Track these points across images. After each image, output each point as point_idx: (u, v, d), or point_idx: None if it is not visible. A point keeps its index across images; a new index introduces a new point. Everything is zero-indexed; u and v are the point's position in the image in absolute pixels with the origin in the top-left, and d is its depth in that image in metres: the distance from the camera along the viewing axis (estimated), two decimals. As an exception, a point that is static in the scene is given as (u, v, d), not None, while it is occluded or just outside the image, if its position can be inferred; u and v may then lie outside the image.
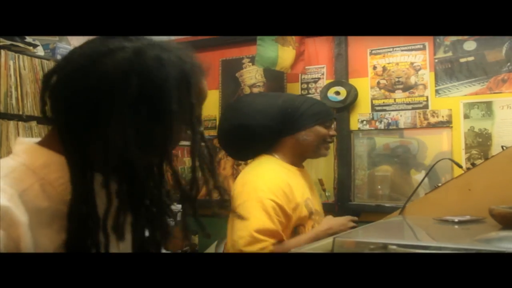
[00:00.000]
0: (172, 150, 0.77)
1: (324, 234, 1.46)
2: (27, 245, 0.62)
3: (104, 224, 0.69)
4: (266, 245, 1.39)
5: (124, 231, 0.71)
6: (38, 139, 0.75)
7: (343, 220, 1.58)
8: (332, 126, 1.69)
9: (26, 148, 0.71)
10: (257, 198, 1.43)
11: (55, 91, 0.71)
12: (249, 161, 1.71)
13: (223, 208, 0.84)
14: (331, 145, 2.60)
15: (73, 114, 0.69)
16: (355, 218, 1.61)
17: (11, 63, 2.25)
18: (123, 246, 0.74)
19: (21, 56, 2.31)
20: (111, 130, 0.67)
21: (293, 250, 1.08)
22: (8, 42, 2.26)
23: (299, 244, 1.40)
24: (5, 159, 0.70)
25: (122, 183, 0.70)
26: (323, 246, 1.07)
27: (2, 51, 2.22)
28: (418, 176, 2.41)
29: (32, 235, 0.63)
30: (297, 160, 1.64)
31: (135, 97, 0.67)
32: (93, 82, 0.68)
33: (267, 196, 1.43)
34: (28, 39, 2.41)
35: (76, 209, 0.67)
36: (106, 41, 0.72)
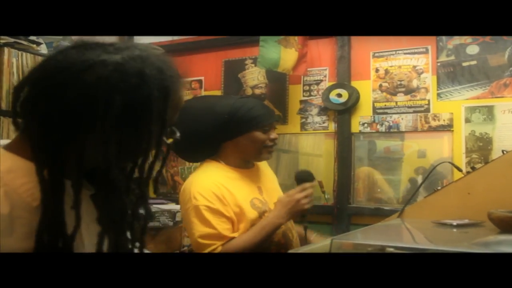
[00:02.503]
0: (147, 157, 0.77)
1: (272, 221, 1.48)
2: None
3: (73, 232, 0.68)
4: (213, 247, 1.45)
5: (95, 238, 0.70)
6: (7, 141, 0.74)
7: (289, 197, 1.52)
8: (274, 128, 1.64)
9: None
10: (193, 206, 1.48)
11: (28, 103, 0.70)
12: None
13: None
14: (332, 146, 2.62)
15: (48, 126, 0.68)
16: (305, 185, 1.53)
17: (14, 60, 2.26)
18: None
19: (24, 53, 2.32)
20: (91, 144, 0.67)
21: (292, 251, 1.08)
22: (12, 40, 2.27)
23: (249, 238, 1.46)
24: None
25: (99, 192, 0.72)
26: (320, 248, 1.07)
27: (6, 49, 2.23)
28: (418, 179, 2.41)
29: None
30: (242, 162, 1.64)
31: (116, 114, 0.67)
32: (72, 97, 0.67)
33: (201, 203, 1.47)
34: (32, 37, 2.42)
35: (46, 218, 0.65)
36: (84, 53, 0.70)
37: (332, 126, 2.63)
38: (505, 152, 1.40)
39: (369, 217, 2.02)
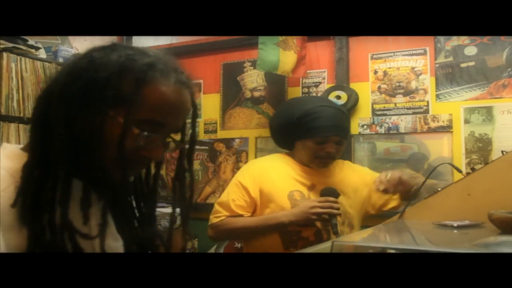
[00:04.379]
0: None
1: (277, 217, 1.60)
2: None
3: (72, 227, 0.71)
4: (220, 216, 1.66)
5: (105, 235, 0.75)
6: (22, 145, 0.79)
7: (305, 201, 1.60)
8: (331, 141, 1.64)
9: (8, 153, 0.74)
10: (234, 179, 1.73)
11: (36, 106, 0.77)
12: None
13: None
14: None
15: (39, 124, 0.74)
16: (329, 198, 1.57)
17: (13, 65, 2.26)
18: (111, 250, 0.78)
19: (23, 58, 2.33)
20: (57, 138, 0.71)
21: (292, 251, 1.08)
22: (11, 45, 2.27)
23: (249, 223, 1.64)
24: None
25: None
26: (321, 249, 1.07)
27: (4, 54, 2.23)
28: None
29: (3, 235, 0.65)
30: (308, 163, 1.71)
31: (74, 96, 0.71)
32: (49, 91, 0.74)
33: (238, 177, 1.71)
34: (31, 41, 2.42)
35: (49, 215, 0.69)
36: (79, 55, 0.77)
37: (332, 128, 2.63)
38: (504, 152, 1.40)
39: (370, 219, 2.01)
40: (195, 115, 0.82)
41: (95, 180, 0.76)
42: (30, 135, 0.74)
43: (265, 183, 1.65)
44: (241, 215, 1.64)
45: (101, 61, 0.72)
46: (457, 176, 1.99)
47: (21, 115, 2.29)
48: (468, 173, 1.47)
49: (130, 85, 0.72)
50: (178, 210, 0.85)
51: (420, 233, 1.27)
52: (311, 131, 1.63)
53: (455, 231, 1.20)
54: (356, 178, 1.78)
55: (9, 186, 0.69)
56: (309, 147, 1.65)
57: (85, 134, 0.71)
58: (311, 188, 1.68)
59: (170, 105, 0.75)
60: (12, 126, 2.25)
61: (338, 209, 1.56)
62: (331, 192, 1.61)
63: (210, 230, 1.71)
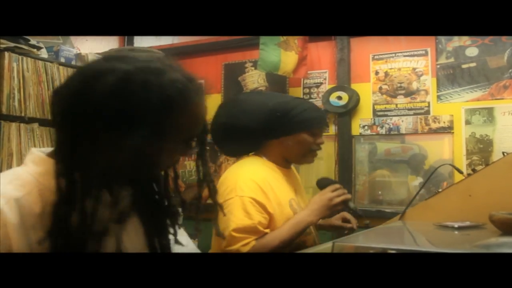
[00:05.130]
0: (166, 167, 0.84)
1: (304, 219, 1.47)
2: (18, 244, 0.69)
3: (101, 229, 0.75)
4: (247, 241, 1.40)
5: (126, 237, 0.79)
6: (50, 149, 0.81)
7: (321, 196, 1.52)
8: (322, 133, 1.63)
9: (33, 158, 0.79)
10: (237, 197, 1.44)
11: (55, 108, 0.78)
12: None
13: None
14: (333, 149, 2.63)
15: (65, 130, 0.75)
16: (336, 186, 1.54)
17: (14, 65, 2.27)
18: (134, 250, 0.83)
19: (24, 58, 2.33)
20: (96, 149, 0.72)
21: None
22: (12, 44, 2.27)
23: (281, 235, 1.43)
24: (16, 168, 0.79)
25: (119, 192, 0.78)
26: (322, 250, 1.07)
27: (6, 53, 2.23)
28: (418, 182, 2.41)
29: (25, 236, 0.70)
30: (283, 162, 1.63)
31: (115, 121, 0.71)
32: (81, 103, 0.73)
33: (247, 194, 1.44)
34: (32, 41, 2.42)
35: (62, 215, 0.71)
36: (103, 63, 0.76)
37: (333, 129, 2.64)
38: (505, 154, 1.40)
39: (371, 220, 2.02)
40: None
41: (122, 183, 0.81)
42: (61, 142, 0.76)
43: (271, 195, 1.50)
44: (266, 233, 1.45)
45: (153, 84, 0.73)
46: (458, 177, 1.99)
47: (22, 114, 2.29)
48: (469, 174, 1.46)
49: (174, 110, 0.75)
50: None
51: (421, 234, 1.27)
52: (306, 122, 1.56)
53: (456, 232, 1.20)
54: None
55: (33, 189, 0.73)
56: (304, 140, 1.57)
57: (129, 151, 0.73)
58: (295, 193, 1.63)
59: (199, 118, 0.81)
60: (13, 125, 2.25)
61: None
62: (330, 181, 1.60)
63: None
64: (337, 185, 1.55)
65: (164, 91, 0.73)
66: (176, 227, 0.90)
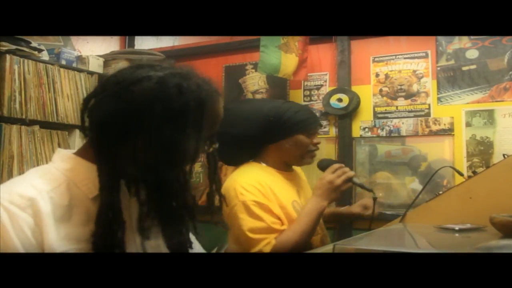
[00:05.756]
0: (193, 162, 0.89)
1: (315, 207, 1.47)
2: (49, 232, 0.75)
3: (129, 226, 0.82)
4: (267, 241, 1.40)
5: (150, 234, 0.83)
6: (74, 150, 0.89)
7: (322, 180, 1.51)
8: (317, 133, 1.66)
9: (61, 156, 0.87)
10: (240, 203, 1.45)
11: (92, 112, 0.84)
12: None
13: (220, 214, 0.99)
14: (333, 151, 2.63)
15: (105, 132, 0.81)
16: (334, 166, 1.53)
17: (15, 67, 2.27)
18: (152, 248, 0.88)
19: (26, 60, 2.33)
20: (135, 147, 0.79)
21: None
22: (14, 47, 2.28)
23: (300, 228, 1.44)
24: (45, 165, 0.87)
25: (149, 190, 0.83)
26: (323, 252, 1.07)
27: (7, 56, 2.23)
28: (415, 183, 2.41)
29: (55, 226, 0.76)
30: (283, 166, 1.65)
31: (157, 120, 0.79)
32: (122, 106, 0.80)
33: (248, 198, 1.45)
34: (34, 43, 2.42)
35: (104, 214, 0.78)
36: (136, 70, 0.85)
37: (333, 131, 2.64)
38: (506, 156, 1.40)
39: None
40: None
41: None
42: (102, 143, 0.82)
43: (273, 198, 1.50)
44: (283, 230, 1.45)
45: (184, 88, 0.83)
46: (459, 179, 1.99)
47: (23, 116, 2.29)
48: (469, 177, 1.47)
49: (203, 109, 0.85)
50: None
51: (422, 236, 1.27)
52: (299, 124, 1.57)
53: (457, 234, 1.20)
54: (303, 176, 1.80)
55: (61, 184, 0.81)
56: (300, 141, 1.58)
57: (169, 146, 0.80)
58: (299, 195, 1.64)
59: (220, 116, 0.92)
60: (14, 127, 2.25)
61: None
62: (330, 162, 1.60)
63: None
64: (336, 165, 1.54)
65: (195, 93, 0.83)
66: (196, 222, 0.93)
